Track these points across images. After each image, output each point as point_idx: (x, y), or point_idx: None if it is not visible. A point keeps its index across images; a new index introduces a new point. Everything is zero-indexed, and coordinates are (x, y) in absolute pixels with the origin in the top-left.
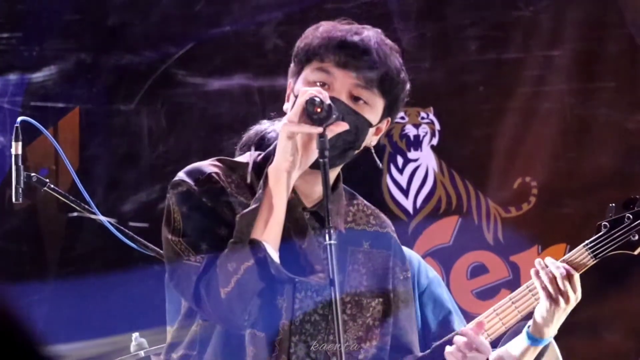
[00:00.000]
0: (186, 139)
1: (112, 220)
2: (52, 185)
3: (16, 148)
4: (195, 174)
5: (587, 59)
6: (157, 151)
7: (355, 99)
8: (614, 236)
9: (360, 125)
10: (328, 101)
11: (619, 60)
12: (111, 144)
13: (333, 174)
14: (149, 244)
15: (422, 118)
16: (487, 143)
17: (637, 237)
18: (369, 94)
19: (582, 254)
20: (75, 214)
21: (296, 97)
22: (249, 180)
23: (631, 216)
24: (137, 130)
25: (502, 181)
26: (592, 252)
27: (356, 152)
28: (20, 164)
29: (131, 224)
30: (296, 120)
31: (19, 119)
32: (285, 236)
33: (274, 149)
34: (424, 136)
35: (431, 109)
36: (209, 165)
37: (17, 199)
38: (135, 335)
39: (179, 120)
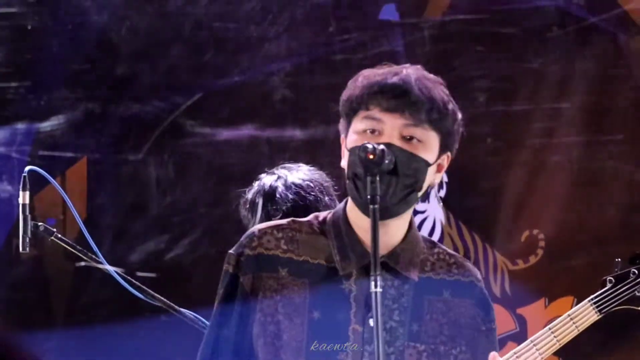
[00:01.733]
0: (194, 189)
1: (119, 270)
2: (59, 235)
3: (24, 197)
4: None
5: (595, 111)
6: (165, 201)
7: (408, 139)
8: (619, 291)
9: (417, 166)
10: (381, 146)
11: (626, 113)
12: (119, 194)
13: (402, 221)
14: (156, 295)
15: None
16: (494, 195)
17: None
18: (421, 131)
19: (586, 308)
20: (82, 263)
21: (349, 151)
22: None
23: (636, 271)
24: (145, 180)
25: (509, 233)
26: (597, 307)
27: (419, 194)
28: (27, 213)
29: (139, 274)
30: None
31: (27, 168)
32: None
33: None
34: (431, 188)
35: None
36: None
37: (24, 249)
38: None
39: (186, 170)
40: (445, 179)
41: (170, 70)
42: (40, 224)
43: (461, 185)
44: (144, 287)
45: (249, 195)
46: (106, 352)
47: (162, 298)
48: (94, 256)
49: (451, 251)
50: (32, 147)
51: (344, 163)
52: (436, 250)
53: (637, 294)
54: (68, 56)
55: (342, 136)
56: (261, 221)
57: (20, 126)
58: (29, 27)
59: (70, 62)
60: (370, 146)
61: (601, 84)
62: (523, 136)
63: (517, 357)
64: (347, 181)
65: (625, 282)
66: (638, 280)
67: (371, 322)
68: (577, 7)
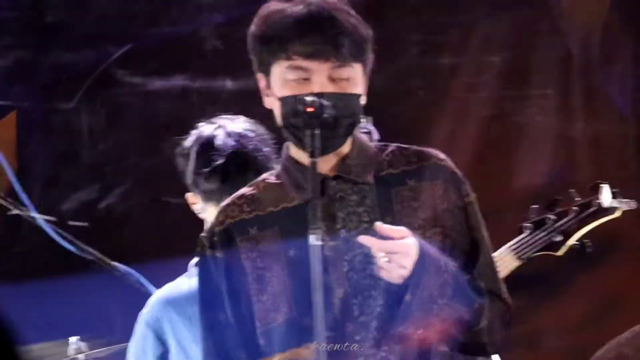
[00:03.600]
0: (125, 138)
1: (51, 219)
2: None
3: None
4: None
5: (525, 66)
6: (97, 150)
7: (336, 80)
8: (537, 237)
9: (352, 103)
10: (318, 98)
11: (557, 68)
12: (50, 143)
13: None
14: (86, 248)
15: (362, 128)
16: None
17: (559, 238)
18: (348, 70)
19: (506, 255)
20: (14, 211)
21: (281, 100)
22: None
23: (553, 217)
24: (77, 129)
25: None
26: (516, 253)
27: (361, 120)
28: None
29: (71, 222)
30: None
31: None
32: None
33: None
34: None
35: (370, 118)
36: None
37: None
38: (73, 339)
39: (118, 120)
40: (376, 137)
41: (100, 19)
42: None
43: (391, 139)
44: (75, 240)
45: (186, 143)
46: (37, 305)
47: (94, 251)
48: (24, 208)
49: (404, 145)
50: None
51: (268, 103)
52: (389, 149)
53: (554, 239)
54: None
55: (260, 75)
56: (196, 169)
57: None
58: None
59: None
60: (308, 99)
61: (531, 39)
62: (454, 89)
63: None
64: (283, 128)
65: (542, 228)
66: (555, 226)
67: (342, 232)
68: None
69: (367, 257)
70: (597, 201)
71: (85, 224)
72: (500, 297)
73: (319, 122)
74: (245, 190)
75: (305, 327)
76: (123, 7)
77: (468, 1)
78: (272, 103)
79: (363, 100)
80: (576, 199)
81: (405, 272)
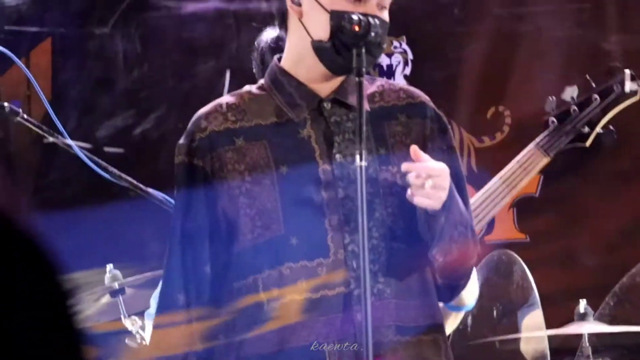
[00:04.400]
0: (160, 63)
1: (87, 146)
2: (24, 116)
3: None
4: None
5: None
6: (132, 75)
7: (382, 8)
8: (564, 130)
9: (386, 32)
10: (367, 18)
11: None
12: (85, 69)
13: None
14: (122, 175)
15: (395, 47)
16: (460, 69)
17: (586, 129)
18: None
19: (534, 152)
20: (50, 139)
21: (331, 13)
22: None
23: (576, 108)
24: (112, 55)
25: (475, 110)
26: (544, 149)
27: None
28: None
29: (106, 149)
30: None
31: None
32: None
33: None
34: (396, 66)
35: (404, 37)
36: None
37: None
38: (109, 267)
39: (153, 44)
40: (411, 56)
41: None
42: (5, 104)
43: (426, 59)
44: (110, 167)
45: (257, 55)
46: (73, 233)
47: (129, 178)
48: (60, 136)
49: (392, 81)
50: None
51: (302, 15)
52: (378, 82)
53: (583, 130)
54: None
55: None
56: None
57: None
58: None
59: None
60: (356, 17)
61: None
62: (489, 5)
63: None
64: (318, 39)
65: (568, 119)
66: (579, 116)
67: (337, 157)
68: None
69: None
70: (618, 85)
71: (121, 150)
72: None
73: (365, 42)
74: (226, 99)
75: (294, 247)
76: None
77: None
78: (308, 13)
79: None
80: (594, 85)
81: (445, 195)
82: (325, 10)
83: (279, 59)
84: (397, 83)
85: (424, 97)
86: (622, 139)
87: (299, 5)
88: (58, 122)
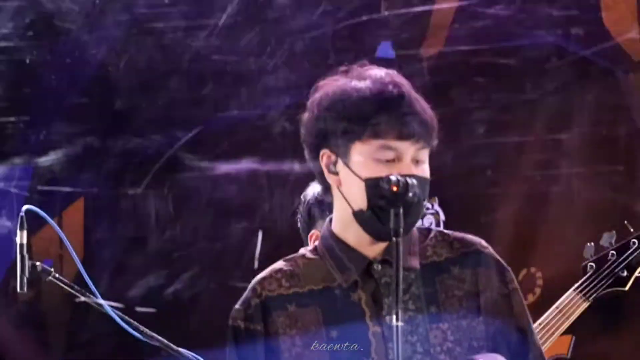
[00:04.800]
0: (193, 223)
1: (118, 306)
2: (56, 275)
3: (21, 237)
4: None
5: (595, 142)
6: (164, 236)
7: (417, 162)
8: (603, 274)
9: (427, 187)
10: (404, 179)
11: (626, 144)
12: (117, 229)
13: None
14: (154, 335)
15: (427, 209)
16: (493, 229)
17: (625, 273)
18: (426, 152)
19: (573, 298)
20: (82, 298)
21: (366, 181)
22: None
23: (615, 253)
24: (144, 215)
25: None
26: (583, 294)
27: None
28: (25, 253)
29: (138, 309)
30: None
31: (24, 207)
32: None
33: None
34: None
35: (436, 199)
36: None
37: (21, 289)
38: None
39: (186, 205)
40: (443, 218)
41: (168, 104)
42: (37, 263)
43: (458, 220)
44: (141, 326)
45: (303, 209)
46: None
47: (160, 338)
48: (91, 295)
49: (446, 230)
50: (31, 182)
51: (338, 183)
52: (432, 235)
53: (621, 274)
54: (66, 90)
55: (326, 151)
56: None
57: (19, 161)
58: (27, 61)
59: (68, 96)
60: (394, 178)
61: (600, 115)
62: (522, 168)
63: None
64: (358, 209)
65: (607, 264)
66: (619, 260)
67: (387, 319)
68: (575, 39)
69: (413, 347)
70: None
71: (152, 310)
72: None
73: (403, 202)
74: (281, 264)
75: None
76: (191, 91)
77: (534, 79)
78: (345, 182)
79: None
80: (632, 230)
81: None
82: (360, 178)
83: (331, 221)
84: (451, 233)
85: (481, 244)
86: None
87: (337, 174)
88: (90, 281)
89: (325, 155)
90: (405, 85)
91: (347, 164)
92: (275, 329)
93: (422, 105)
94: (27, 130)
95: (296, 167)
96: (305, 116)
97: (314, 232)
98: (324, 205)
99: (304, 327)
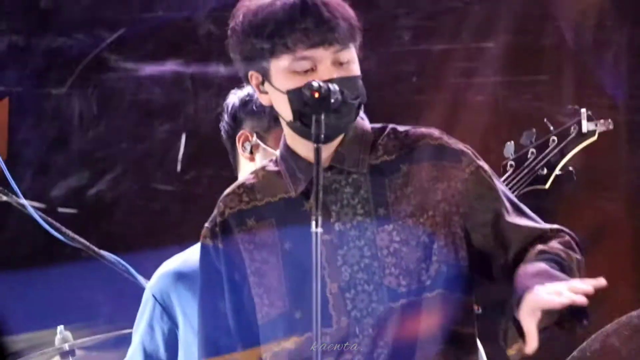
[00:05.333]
0: (116, 124)
1: (40, 206)
2: None
3: None
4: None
5: (520, 51)
6: (87, 136)
7: (339, 64)
8: (522, 174)
9: (356, 84)
10: (325, 84)
11: (551, 54)
12: (41, 129)
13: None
14: (76, 236)
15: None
16: None
17: (545, 171)
18: (346, 52)
19: None
20: (4, 198)
21: (288, 93)
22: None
23: (534, 150)
24: (68, 115)
25: None
26: None
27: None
28: None
29: (60, 209)
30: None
31: None
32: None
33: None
34: None
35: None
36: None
37: None
38: (60, 328)
39: (110, 106)
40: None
41: (94, 4)
42: None
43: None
44: (63, 227)
45: (227, 116)
46: (24, 294)
47: (82, 240)
48: (14, 195)
49: (402, 127)
50: None
51: (269, 102)
52: (385, 132)
53: (541, 172)
54: None
55: (252, 73)
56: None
57: None
58: None
59: None
60: (315, 84)
61: (525, 24)
62: (447, 75)
63: None
64: (289, 120)
65: (526, 163)
66: (538, 158)
67: (336, 226)
68: None
69: (361, 251)
70: (576, 126)
71: (74, 211)
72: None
73: (326, 108)
74: (246, 178)
75: (298, 321)
76: None
77: None
78: (273, 99)
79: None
80: (551, 128)
81: None
82: (282, 92)
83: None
84: (406, 129)
85: (432, 136)
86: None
87: (266, 93)
88: (12, 181)
89: (253, 77)
90: None
91: (270, 82)
92: (237, 245)
93: (332, 7)
94: None
95: (221, 69)
96: (230, 42)
97: (242, 133)
98: (249, 106)
99: (261, 241)
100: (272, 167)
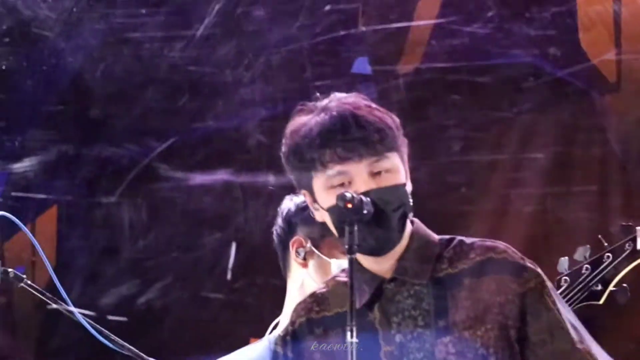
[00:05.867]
0: (167, 233)
1: (90, 314)
2: (28, 282)
3: None
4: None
5: (569, 162)
6: (137, 245)
7: (377, 173)
8: (577, 288)
9: (397, 194)
10: (358, 195)
11: (599, 164)
12: (91, 238)
13: (405, 239)
14: (125, 344)
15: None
16: None
17: (599, 287)
18: (384, 160)
19: None
20: (53, 306)
21: (328, 210)
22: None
23: (589, 267)
24: (118, 224)
25: None
26: None
27: (411, 211)
28: None
29: (110, 317)
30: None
31: None
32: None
33: None
34: None
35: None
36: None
37: None
38: None
39: (160, 215)
40: None
41: (144, 114)
42: (10, 270)
43: None
44: (112, 335)
45: (282, 221)
46: None
47: (131, 347)
48: (63, 302)
49: (470, 239)
50: (5, 189)
51: (321, 219)
52: (452, 245)
53: (595, 288)
54: (42, 97)
55: (304, 192)
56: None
57: None
58: (3, 67)
59: (44, 103)
60: (348, 195)
61: (574, 134)
62: (497, 185)
63: None
64: (338, 237)
65: (581, 278)
66: (593, 274)
67: (397, 337)
68: (552, 60)
69: None
70: (630, 243)
71: (124, 319)
72: None
73: (358, 219)
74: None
75: None
76: (167, 101)
77: (510, 98)
78: (322, 216)
79: (409, 188)
80: (605, 244)
81: None
82: (324, 209)
83: None
84: (472, 241)
85: (496, 250)
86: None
87: (318, 210)
88: (62, 288)
89: (305, 195)
90: (350, 104)
91: (316, 200)
92: (306, 354)
93: (365, 119)
94: (2, 137)
95: (270, 179)
96: (283, 162)
97: (296, 238)
98: (304, 212)
99: (327, 351)
100: (342, 277)
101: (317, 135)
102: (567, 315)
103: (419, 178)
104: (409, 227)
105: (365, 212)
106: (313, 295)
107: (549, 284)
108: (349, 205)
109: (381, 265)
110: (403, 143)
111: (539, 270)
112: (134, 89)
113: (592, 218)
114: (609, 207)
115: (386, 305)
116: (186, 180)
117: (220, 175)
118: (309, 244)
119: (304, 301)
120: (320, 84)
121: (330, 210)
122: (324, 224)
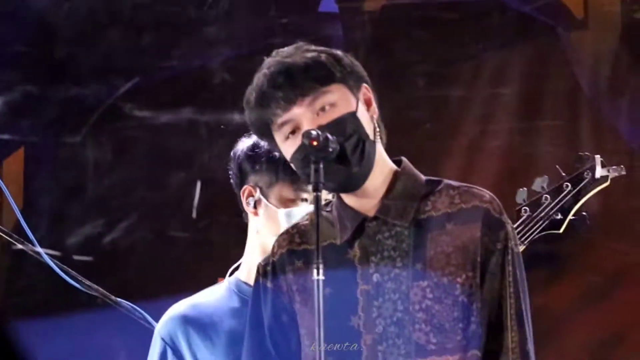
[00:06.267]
0: (132, 172)
1: (56, 254)
2: None
3: None
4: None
5: (534, 97)
6: (103, 184)
7: (321, 110)
8: (537, 218)
9: (346, 124)
10: (321, 133)
11: (565, 99)
12: (56, 178)
13: (378, 173)
14: (91, 284)
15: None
16: None
17: (559, 216)
18: (326, 96)
19: None
20: (20, 246)
21: (291, 160)
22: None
23: (549, 196)
24: (83, 164)
25: None
26: (519, 238)
27: (372, 137)
28: None
29: (75, 257)
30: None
31: None
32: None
33: None
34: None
35: None
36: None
37: None
38: None
39: (125, 154)
40: None
41: (109, 54)
42: None
43: None
44: (78, 275)
45: (234, 165)
46: (41, 341)
47: (98, 287)
48: (29, 243)
49: (456, 183)
50: None
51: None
52: (439, 187)
53: (555, 217)
54: (6, 38)
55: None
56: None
57: None
58: None
59: (9, 44)
60: (313, 133)
61: (539, 70)
62: (461, 121)
63: None
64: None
65: (540, 209)
66: (552, 203)
67: (374, 277)
68: None
69: (394, 304)
70: (589, 172)
71: (90, 258)
72: None
73: (324, 156)
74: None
75: None
76: (131, 41)
77: (476, 34)
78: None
79: (366, 113)
80: (563, 174)
81: None
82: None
83: None
84: (459, 186)
85: (482, 199)
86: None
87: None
88: (28, 229)
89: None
90: (283, 56)
91: (281, 153)
92: (285, 285)
93: (296, 62)
94: None
95: (235, 117)
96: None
97: (246, 188)
98: (254, 159)
99: (304, 284)
100: (325, 211)
101: (257, 99)
102: (520, 286)
103: (384, 114)
104: (391, 165)
105: (330, 149)
106: (295, 227)
107: (517, 249)
108: (314, 143)
109: (363, 204)
110: (352, 73)
111: (514, 232)
112: (98, 29)
113: (557, 152)
114: (575, 141)
115: (367, 243)
116: (151, 119)
117: (185, 114)
118: (257, 193)
119: (286, 232)
120: (285, 22)
121: (292, 157)
122: (272, 172)
